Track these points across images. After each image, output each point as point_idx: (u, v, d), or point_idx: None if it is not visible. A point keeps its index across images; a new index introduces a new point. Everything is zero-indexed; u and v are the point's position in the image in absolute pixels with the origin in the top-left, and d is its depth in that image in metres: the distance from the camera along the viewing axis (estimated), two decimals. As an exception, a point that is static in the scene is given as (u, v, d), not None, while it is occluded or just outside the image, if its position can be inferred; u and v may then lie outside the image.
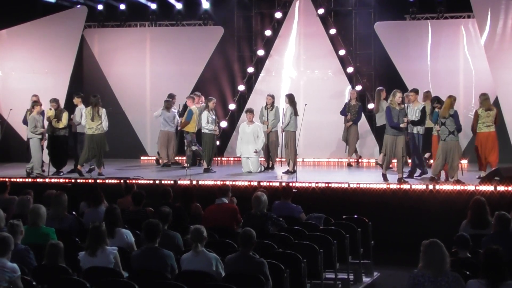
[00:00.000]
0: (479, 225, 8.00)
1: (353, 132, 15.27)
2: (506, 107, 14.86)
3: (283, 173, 13.86)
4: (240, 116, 16.88)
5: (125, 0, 17.77)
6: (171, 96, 15.68)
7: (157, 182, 12.48)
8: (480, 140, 12.68)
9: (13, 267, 6.12)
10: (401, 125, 11.94)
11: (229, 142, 17.22)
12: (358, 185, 11.70)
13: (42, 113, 13.92)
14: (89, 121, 13.56)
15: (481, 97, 12.80)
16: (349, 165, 15.28)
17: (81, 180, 13.00)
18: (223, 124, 16.82)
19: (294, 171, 13.37)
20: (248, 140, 14.10)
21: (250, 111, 14.39)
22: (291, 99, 14.02)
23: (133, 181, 11.91)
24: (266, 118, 14.45)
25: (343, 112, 15.34)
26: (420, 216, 10.93)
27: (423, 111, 12.73)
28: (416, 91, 13.31)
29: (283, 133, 14.04)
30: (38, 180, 13.14)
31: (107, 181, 12.84)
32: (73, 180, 12.95)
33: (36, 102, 13.86)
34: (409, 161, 13.26)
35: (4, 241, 6.24)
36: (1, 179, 12.48)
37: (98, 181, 12.79)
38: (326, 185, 11.85)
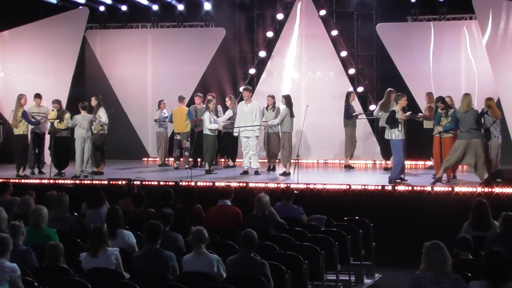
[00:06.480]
0: (480, 227, 8.00)
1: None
2: (508, 108, 14.87)
3: (279, 175, 13.79)
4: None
5: (127, 1, 17.80)
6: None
7: (158, 183, 12.48)
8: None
9: (13, 267, 6.12)
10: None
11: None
12: (359, 187, 11.68)
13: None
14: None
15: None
16: (349, 167, 15.25)
17: (81, 182, 13.01)
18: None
19: (289, 173, 13.33)
20: (246, 120, 13.82)
21: (247, 89, 14.20)
22: (288, 100, 13.89)
23: (135, 183, 11.93)
24: (266, 120, 14.41)
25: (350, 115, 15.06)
26: (422, 218, 10.89)
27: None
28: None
29: (281, 132, 13.93)
30: (42, 181, 13.21)
31: (105, 182, 12.83)
32: (77, 182, 12.99)
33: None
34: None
35: (3, 242, 6.25)
36: (3, 180, 12.48)
37: (97, 182, 12.79)
38: (328, 186, 11.83)
